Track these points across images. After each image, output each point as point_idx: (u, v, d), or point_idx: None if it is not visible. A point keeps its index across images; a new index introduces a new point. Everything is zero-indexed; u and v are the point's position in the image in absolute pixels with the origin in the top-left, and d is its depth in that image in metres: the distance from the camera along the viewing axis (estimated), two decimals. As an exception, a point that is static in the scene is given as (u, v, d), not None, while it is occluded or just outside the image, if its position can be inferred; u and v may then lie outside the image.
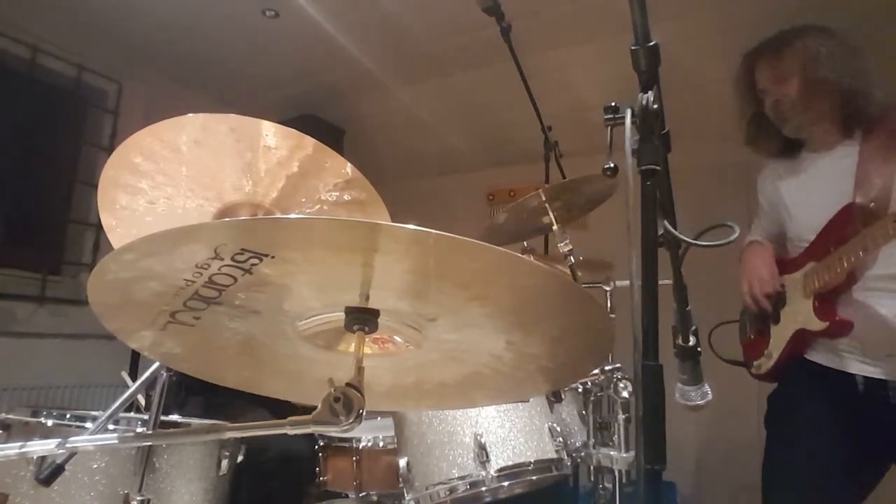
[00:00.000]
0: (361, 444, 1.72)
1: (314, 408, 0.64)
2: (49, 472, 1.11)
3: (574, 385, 1.59)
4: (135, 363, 2.53)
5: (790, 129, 1.63)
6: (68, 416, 1.36)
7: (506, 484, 1.35)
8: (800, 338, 1.56)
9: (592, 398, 1.58)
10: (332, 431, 0.65)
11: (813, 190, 1.59)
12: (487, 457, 1.34)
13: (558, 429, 1.45)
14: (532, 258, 1.73)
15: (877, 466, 1.50)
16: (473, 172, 4.27)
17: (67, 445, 0.74)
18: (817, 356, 1.55)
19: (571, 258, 1.72)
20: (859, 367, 1.46)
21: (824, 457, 1.45)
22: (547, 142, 2.43)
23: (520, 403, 1.43)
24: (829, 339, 1.50)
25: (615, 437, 1.47)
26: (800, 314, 1.56)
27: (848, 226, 1.45)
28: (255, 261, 0.57)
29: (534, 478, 1.38)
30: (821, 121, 1.58)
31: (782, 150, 1.69)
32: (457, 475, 1.35)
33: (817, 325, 1.49)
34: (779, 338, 1.63)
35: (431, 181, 4.35)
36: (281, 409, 0.68)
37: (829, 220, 1.51)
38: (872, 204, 1.42)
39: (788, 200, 1.67)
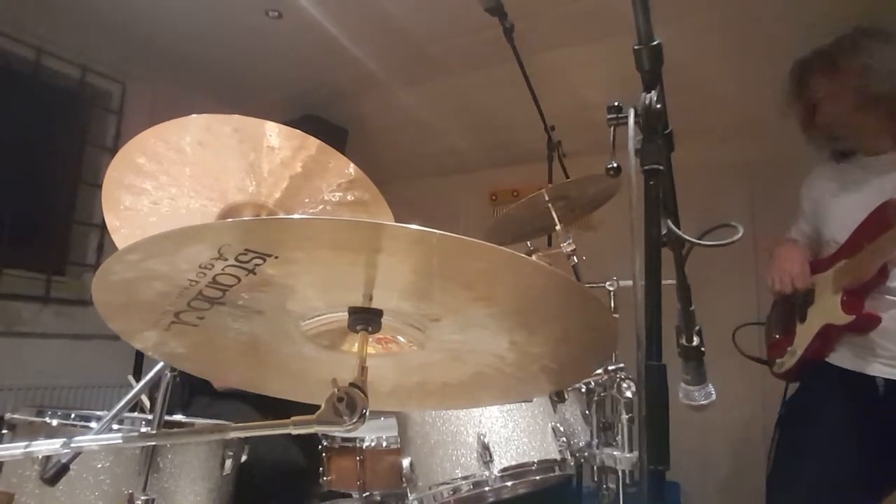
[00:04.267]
0: (365, 444, 1.72)
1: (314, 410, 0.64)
2: (54, 472, 1.11)
3: (577, 385, 1.59)
4: (139, 363, 2.53)
5: (842, 143, 1.62)
6: (73, 415, 1.36)
7: (509, 484, 1.35)
8: (825, 333, 1.54)
9: (596, 398, 1.58)
10: (336, 431, 0.65)
11: (858, 193, 1.58)
12: (491, 457, 1.34)
13: (562, 429, 1.44)
14: (539, 255, 1.73)
15: (893, 473, 1.48)
16: (476, 172, 4.26)
17: (72, 445, 0.74)
18: (839, 358, 1.53)
19: (574, 258, 1.72)
20: (880, 370, 1.44)
21: (839, 461, 1.43)
22: (550, 141, 2.43)
23: (523, 403, 1.43)
24: (856, 335, 1.48)
25: (618, 438, 1.47)
26: (827, 310, 1.54)
27: (883, 223, 1.43)
28: (259, 261, 0.57)
29: (537, 478, 1.38)
30: (873, 133, 1.56)
31: (835, 155, 1.68)
32: (460, 475, 1.35)
33: (843, 318, 1.47)
34: (804, 335, 1.61)
35: (434, 181, 4.35)
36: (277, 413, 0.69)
37: (865, 218, 1.50)
38: None
39: (832, 202, 1.65)
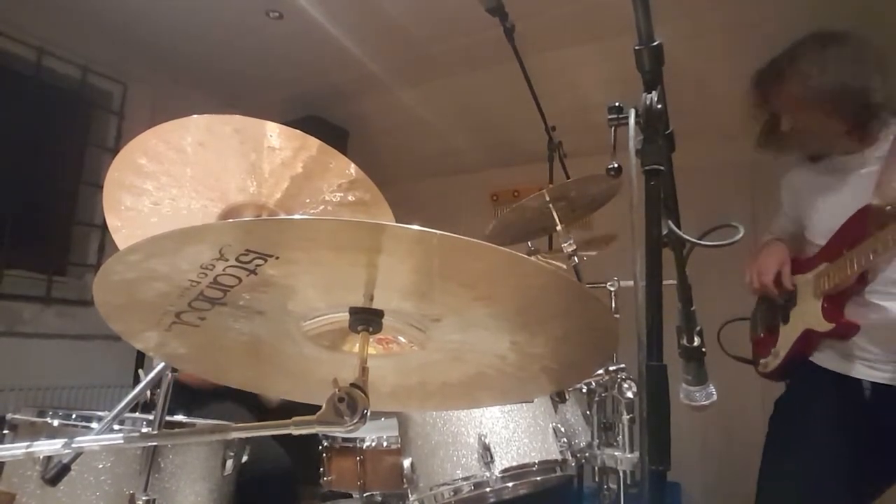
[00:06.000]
0: (365, 445, 1.72)
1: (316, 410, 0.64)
2: (55, 472, 1.11)
3: (578, 385, 1.59)
4: (140, 364, 2.53)
5: (810, 151, 1.63)
6: (74, 416, 1.36)
7: (510, 485, 1.35)
8: (806, 338, 1.55)
9: (597, 398, 1.58)
10: (337, 432, 0.65)
11: (834, 193, 1.58)
12: (492, 457, 1.34)
13: (562, 429, 1.44)
14: (539, 258, 1.74)
15: (882, 475, 1.48)
16: (477, 173, 4.26)
17: (73, 445, 0.74)
18: (823, 359, 1.53)
19: (575, 258, 1.72)
20: (865, 372, 1.44)
21: (826, 462, 1.42)
22: (551, 142, 2.43)
23: (524, 404, 1.43)
24: (836, 341, 1.49)
25: (619, 438, 1.47)
26: (808, 314, 1.55)
27: (862, 228, 1.43)
28: (260, 261, 0.57)
29: (538, 478, 1.38)
30: (835, 135, 1.55)
31: (809, 157, 1.69)
32: (461, 476, 1.35)
33: (824, 325, 1.49)
34: (787, 337, 1.62)
35: (435, 182, 4.35)
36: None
37: (845, 222, 1.50)
38: (889, 207, 1.40)
39: (810, 202, 1.65)
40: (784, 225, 1.78)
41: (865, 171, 1.51)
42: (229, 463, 1.44)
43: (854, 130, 1.52)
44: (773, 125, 1.66)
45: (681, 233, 0.80)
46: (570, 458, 1.42)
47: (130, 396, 1.16)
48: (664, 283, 0.74)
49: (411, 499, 1.39)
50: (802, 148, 1.65)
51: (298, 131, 1.05)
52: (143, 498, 1.16)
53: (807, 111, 1.54)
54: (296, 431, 0.65)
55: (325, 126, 3.83)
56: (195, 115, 0.99)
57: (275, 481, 1.93)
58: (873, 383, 1.43)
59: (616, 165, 0.81)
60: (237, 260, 0.57)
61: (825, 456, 1.43)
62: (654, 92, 0.77)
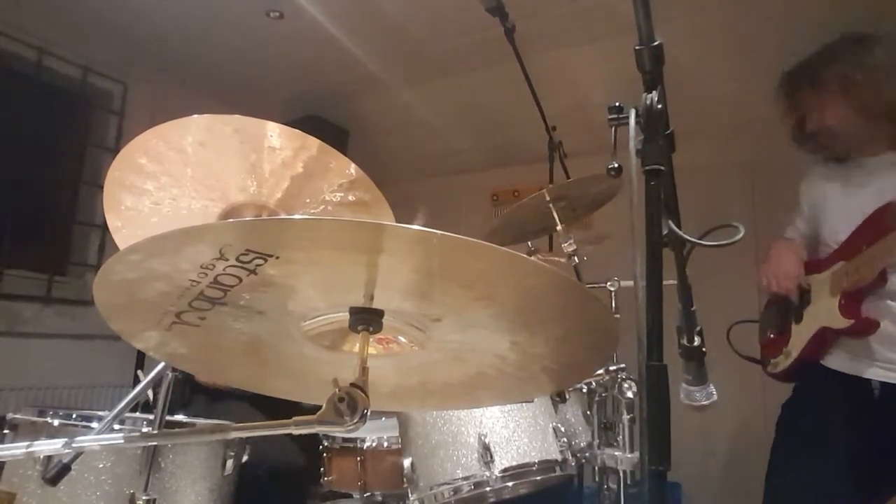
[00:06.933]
0: (366, 445, 1.72)
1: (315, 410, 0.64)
2: (55, 472, 1.11)
3: (578, 385, 1.59)
4: (140, 364, 2.54)
5: (836, 153, 1.62)
6: (74, 416, 1.36)
7: (510, 484, 1.35)
8: (821, 337, 1.53)
9: (597, 398, 1.58)
10: (337, 432, 0.65)
11: (855, 193, 1.57)
12: (492, 457, 1.34)
13: (563, 429, 1.44)
14: (539, 257, 1.74)
15: (892, 478, 1.47)
16: (477, 173, 4.26)
17: (74, 445, 0.74)
18: (833, 361, 1.52)
19: (575, 258, 1.72)
20: (875, 372, 1.44)
21: (836, 464, 1.42)
22: (551, 142, 2.43)
23: (524, 404, 1.43)
24: (852, 339, 1.48)
25: (620, 438, 1.47)
26: (824, 312, 1.53)
27: (883, 225, 1.42)
28: (260, 261, 0.57)
29: (538, 478, 1.38)
30: (865, 138, 1.54)
31: (832, 157, 1.68)
32: (461, 475, 1.35)
33: (841, 322, 1.47)
34: (799, 337, 1.61)
35: (435, 182, 4.35)
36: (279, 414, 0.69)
37: (864, 220, 1.49)
38: None
39: (831, 202, 1.65)
40: (799, 225, 1.78)
41: (887, 174, 1.50)
42: (229, 463, 1.44)
43: (884, 133, 1.51)
44: (796, 129, 1.66)
45: (681, 233, 0.80)
46: (570, 457, 1.42)
47: (130, 396, 1.16)
48: (664, 283, 0.74)
49: (411, 499, 1.39)
50: (827, 150, 1.64)
51: (299, 131, 1.05)
52: (144, 498, 1.16)
53: (843, 115, 1.53)
54: (296, 431, 0.65)
55: (326, 126, 3.83)
56: (195, 115, 0.99)
57: (290, 477, 1.93)
58: (883, 383, 1.42)
59: (616, 165, 0.80)
60: (237, 260, 0.57)
61: (835, 458, 1.42)
62: (654, 92, 0.77)
